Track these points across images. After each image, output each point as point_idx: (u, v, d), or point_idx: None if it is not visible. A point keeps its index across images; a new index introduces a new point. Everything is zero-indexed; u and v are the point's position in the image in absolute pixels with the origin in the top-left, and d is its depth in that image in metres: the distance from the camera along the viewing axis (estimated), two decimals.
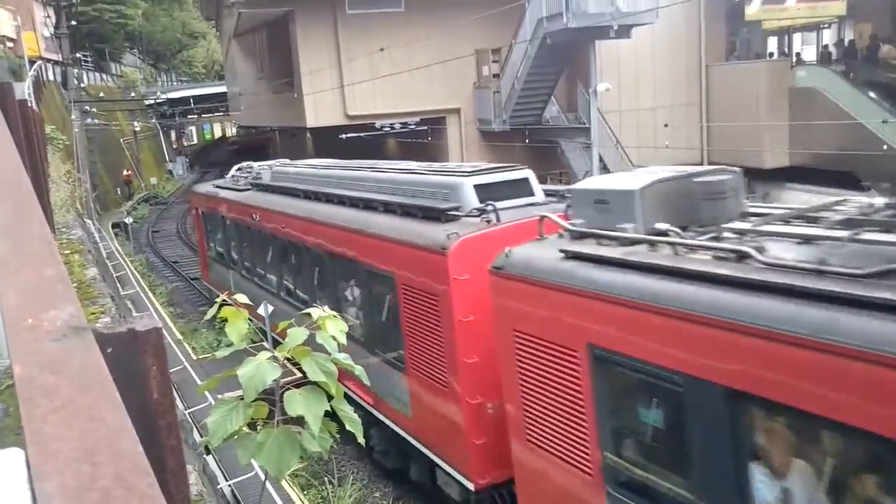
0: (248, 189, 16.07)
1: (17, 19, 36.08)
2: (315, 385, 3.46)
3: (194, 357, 15.05)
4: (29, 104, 11.53)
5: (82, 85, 50.00)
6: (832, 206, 5.75)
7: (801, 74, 24.27)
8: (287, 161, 17.92)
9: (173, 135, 69.19)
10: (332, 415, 3.54)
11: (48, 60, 41.84)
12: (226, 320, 3.70)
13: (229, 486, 9.48)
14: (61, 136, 28.55)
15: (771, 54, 29.38)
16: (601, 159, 21.37)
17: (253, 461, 3.55)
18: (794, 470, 4.38)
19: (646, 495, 5.34)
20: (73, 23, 51.05)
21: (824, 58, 26.81)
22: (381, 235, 9.39)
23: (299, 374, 3.61)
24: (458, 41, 23.10)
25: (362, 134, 25.06)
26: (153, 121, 61.87)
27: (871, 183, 19.87)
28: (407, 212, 9.30)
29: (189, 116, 68.92)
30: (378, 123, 25.34)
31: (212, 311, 3.82)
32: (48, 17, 47.91)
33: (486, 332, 7.35)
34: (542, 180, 10.50)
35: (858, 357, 3.66)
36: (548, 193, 9.33)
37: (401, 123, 25.46)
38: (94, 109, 45.72)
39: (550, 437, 6.30)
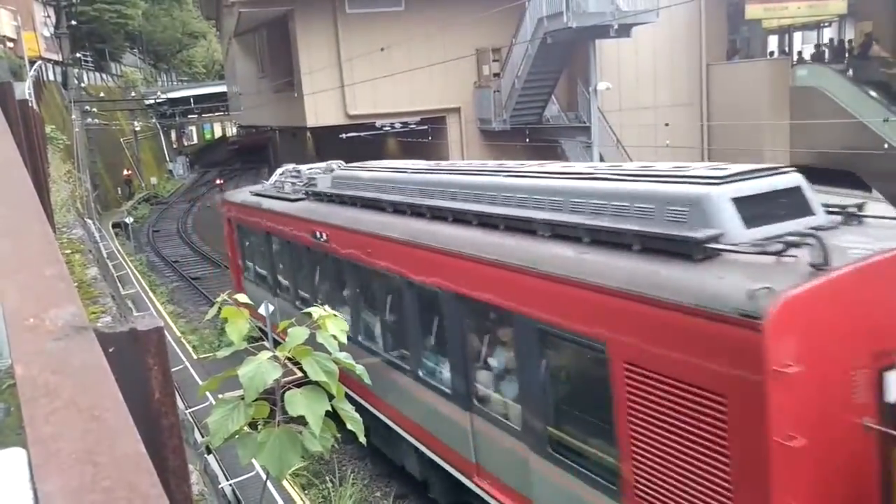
0: (303, 199, 12.97)
1: (18, 19, 36.08)
2: (316, 384, 3.45)
3: (195, 357, 15.07)
4: (29, 104, 11.51)
5: (82, 85, 50.03)
6: None
7: (801, 73, 24.27)
8: (341, 163, 14.53)
9: (173, 134, 69.29)
10: (333, 414, 3.54)
11: (48, 60, 41.85)
12: (226, 320, 3.70)
13: (230, 485, 9.49)
14: (61, 135, 28.58)
15: (772, 53, 29.38)
16: (601, 158, 21.37)
17: (254, 461, 3.56)
18: None
19: None
20: (73, 23, 51.09)
21: (816, 57, 26.82)
22: (576, 279, 6.10)
23: (300, 374, 3.61)
24: (458, 40, 23.10)
25: (363, 133, 25.06)
26: (153, 120, 61.98)
27: (873, 182, 19.88)
28: (609, 240, 6.14)
29: (189, 116, 69.03)
30: (378, 123, 25.33)
31: (212, 311, 3.81)
32: (48, 17, 47.93)
33: (830, 468, 4.70)
34: None
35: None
36: (829, 211, 6.05)
37: (401, 123, 25.45)
38: (95, 109, 45.78)
39: None
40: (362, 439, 3.88)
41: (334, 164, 14.34)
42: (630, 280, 5.58)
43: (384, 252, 9.51)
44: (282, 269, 14.24)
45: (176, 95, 65.56)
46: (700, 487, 5.13)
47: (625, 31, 20.77)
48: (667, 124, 24.20)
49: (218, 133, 78.59)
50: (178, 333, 16.94)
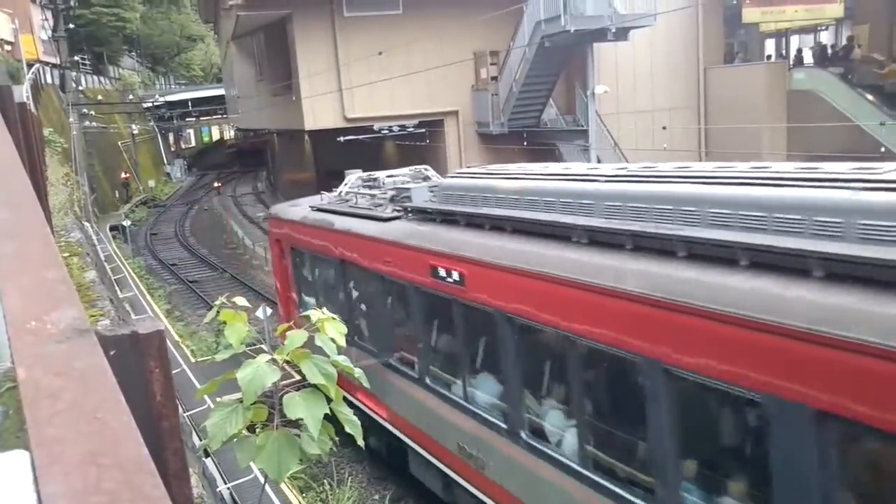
0: (397, 217, 9.48)
1: (15, 22, 36.02)
2: (314, 388, 3.46)
3: (192, 360, 15.05)
4: (27, 107, 11.50)
5: (80, 88, 49.99)
6: None
7: (798, 77, 24.35)
8: (428, 168, 11.57)
9: (171, 137, 69.30)
10: (331, 417, 3.54)
11: (46, 63, 41.82)
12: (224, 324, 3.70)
13: (228, 488, 9.47)
14: (59, 139, 28.56)
15: (769, 56, 29.46)
16: (599, 161, 21.39)
17: (252, 464, 3.56)
18: None
19: None
20: (71, 26, 51.04)
21: (798, 61, 26.91)
22: None
23: (298, 377, 3.61)
24: (456, 44, 23.14)
25: (360, 136, 25.08)
26: (151, 124, 61.97)
27: None
28: None
29: (187, 119, 69.01)
30: (376, 126, 25.35)
31: (210, 315, 3.82)
32: (46, 20, 47.91)
33: None
34: None
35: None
36: None
37: (399, 126, 25.47)
38: (92, 112, 45.74)
39: None
40: (361, 442, 3.89)
41: (423, 169, 11.44)
42: None
43: (604, 316, 5.70)
44: (364, 309, 10.64)
45: (174, 98, 65.55)
46: None
47: (622, 34, 20.82)
48: (664, 127, 24.25)
49: (216, 136, 78.68)
50: (177, 338, 16.92)
